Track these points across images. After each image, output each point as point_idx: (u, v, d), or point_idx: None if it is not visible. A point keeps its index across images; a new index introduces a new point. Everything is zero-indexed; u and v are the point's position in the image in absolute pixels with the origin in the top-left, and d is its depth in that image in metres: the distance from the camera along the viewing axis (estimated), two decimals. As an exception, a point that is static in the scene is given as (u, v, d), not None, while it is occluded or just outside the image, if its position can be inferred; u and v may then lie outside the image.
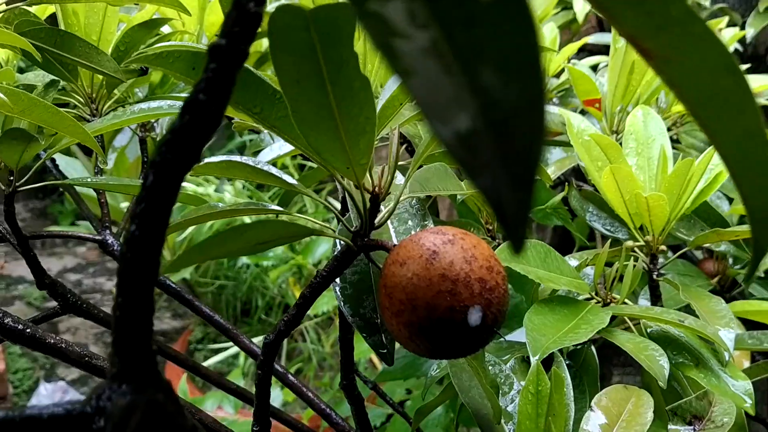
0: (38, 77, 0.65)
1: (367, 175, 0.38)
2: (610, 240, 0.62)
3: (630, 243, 0.64)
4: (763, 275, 0.78)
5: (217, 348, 2.02)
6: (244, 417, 1.54)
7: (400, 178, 0.44)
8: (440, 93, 0.14)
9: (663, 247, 0.62)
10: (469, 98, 0.14)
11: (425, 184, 0.43)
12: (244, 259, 1.92)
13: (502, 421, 0.42)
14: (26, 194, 3.91)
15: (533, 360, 0.44)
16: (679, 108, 0.84)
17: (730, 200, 0.83)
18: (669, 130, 0.90)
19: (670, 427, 0.41)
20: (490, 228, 0.67)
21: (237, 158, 0.39)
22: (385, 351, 0.39)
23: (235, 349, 1.82)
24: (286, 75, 0.31)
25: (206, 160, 0.38)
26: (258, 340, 1.91)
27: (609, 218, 0.68)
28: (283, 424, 0.67)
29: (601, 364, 1.31)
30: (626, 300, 0.57)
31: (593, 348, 0.59)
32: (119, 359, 0.23)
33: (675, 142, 0.95)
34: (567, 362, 0.56)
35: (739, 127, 0.19)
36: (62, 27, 0.62)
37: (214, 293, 2.24)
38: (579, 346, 0.59)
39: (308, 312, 1.87)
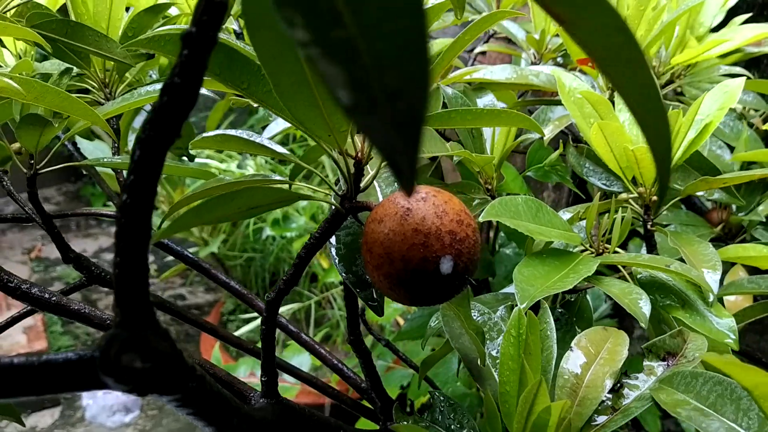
0: (54, 66, 0.69)
1: (351, 141, 0.41)
2: (599, 193, 0.64)
3: (624, 195, 0.67)
4: (765, 220, 0.79)
5: (247, 318, 2.08)
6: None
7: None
8: (344, 68, 0.17)
9: (655, 198, 0.64)
10: (367, 74, 0.17)
11: (410, 148, 0.46)
12: (268, 231, 1.97)
13: (489, 362, 0.45)
14: (59, 178, 4.01)
15: (521, 308, 0.47)
16: (679, 60, 0.85)
17: (731, 149, 0.84)
18: (671, 82, 0.91)
19: (645, 363, 0.44)
20: (489, 187, 0.70)
21: (231, 132, 0.42)
22: (375, 304, 0.43)
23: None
24: (263, 51, 0.34)
25: (202, 135, 0.42)
26: (285, 309, 1.96)
27: (605, 173, 0.70)
28: (314, 388, 0.70)
29: (623, 318, 1.33)
30: (618, 249, 0.60)
31: (588, 297, 0.62)
32: (120, 310, 0.27)
33: (679, 94, 0.95)
34: (560, 311, 0.59)
35: (637, 80, 0.22)
36: (73, 17, 0.66)
37: (243, 266, 2.31)
38: (573, 297, 0.62)
39: (334, 280, 1.91)
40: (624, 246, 0.77)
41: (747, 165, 0.86)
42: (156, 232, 0.33)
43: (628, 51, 0.21)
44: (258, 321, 1.94)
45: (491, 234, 0.90)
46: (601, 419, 0.41)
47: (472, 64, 1.08)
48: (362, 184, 0.42)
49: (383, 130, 0.17)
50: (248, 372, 1.62)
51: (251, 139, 0.42)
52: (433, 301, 0.38)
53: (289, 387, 1.52)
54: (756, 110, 1.00)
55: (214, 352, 1.71)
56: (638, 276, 0.57)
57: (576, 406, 0.42)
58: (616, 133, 0.59)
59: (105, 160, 0.59)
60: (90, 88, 0.68)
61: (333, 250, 0.46)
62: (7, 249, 3.25)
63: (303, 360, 1.49)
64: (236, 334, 1.83)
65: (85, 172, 0.69)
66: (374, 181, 0.45)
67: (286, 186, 0.42)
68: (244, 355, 1.91)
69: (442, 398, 0.46)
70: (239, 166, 1.92)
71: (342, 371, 0.65)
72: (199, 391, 0.31)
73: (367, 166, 0.43)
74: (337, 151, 0.39)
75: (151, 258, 3.46)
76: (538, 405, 0.37)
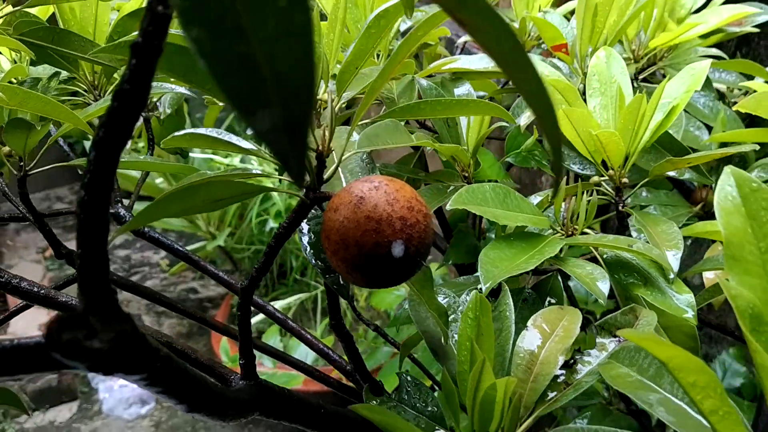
0: (47, 70, 0.72)
1: (313, 136, 0.44)
2: (565, 177, 0.66)
3: (596, 178, 0.69)
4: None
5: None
6: (282, 370, 1.64)
7: (356, 137, 0.50)
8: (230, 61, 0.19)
9: (625, 180, 0.66)
10: (264, 83, 0.20)
11: (373, 140, 0.49)
12: (272, 224, 2.00)
13: (451, 341, 0.48)
14: (72, 177, 4.06)
15: (482, 289, 0.50)
16: (657, 42, 0.87)
17: (710, 129, 0.86)
18: (653, 64, 0.93)
19: (598, 339, 0.46)
20: (466, 175, 0.72)
21: (200, 130, 0.45)
22: (337, 287, 0.45)
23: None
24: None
25: (173, 134, 0.44)
26: (293, 299, 2.00)
27: (578, 157, 0.72)
28: (315, 379, 0.73)
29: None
30: (587, 230, 0.62)
31: (560, 278, 0.64)
32: (84, 297, 0.30)
33: (663, 76, 0.97)
34: (528, 291, 0.61)
35: (527, 78, 0.24)
36: (61, 24, 0.69)
37: (251, 258, 2.34)
38: (545, 277, 0.64)
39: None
40: (604, 228, 0.79)
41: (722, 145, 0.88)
42: (122, 227, 0.36)
43: (516, 55, 0.24)
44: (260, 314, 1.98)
45: (477, 220, 0.92)
46: (554, 394, 0.44)
47: (460, 53, 1.10)
48: (325, 176, 0.44)
49: (275, 132, 0.19)
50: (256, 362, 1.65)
51: (219, 136, 0.45)
52: (388, 284, 0.40)
53: (295, 375, 1.56)
54: (740, 89, 1.01)
55: (222, 343, 1.75)
56: (604, 256, 0.59)
57: (531, 382, 0.44)
58: (582, 118, 0.61)
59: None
60: (80, 90, 0.71)
61: (304, 239, 0.48)
62: (21, 249, 3.31)
63: (305, 351, 1.53)
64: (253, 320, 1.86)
65: (80, 172, 0.71)
66: (339, 171, 0.47)
67: (254, 180, 0.45)
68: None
69: (408, 379, 0.49)
70: (242, 161, 1.95)
71: (328, 355, 0.68)
72: (166, 371, 0.34)
73: (333, 155, 0.46)
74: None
75: (162, 254, 3.51)
76: (484, 382, 0.39)
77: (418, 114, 0.58)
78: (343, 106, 0.63)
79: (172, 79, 0.46)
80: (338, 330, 0.61)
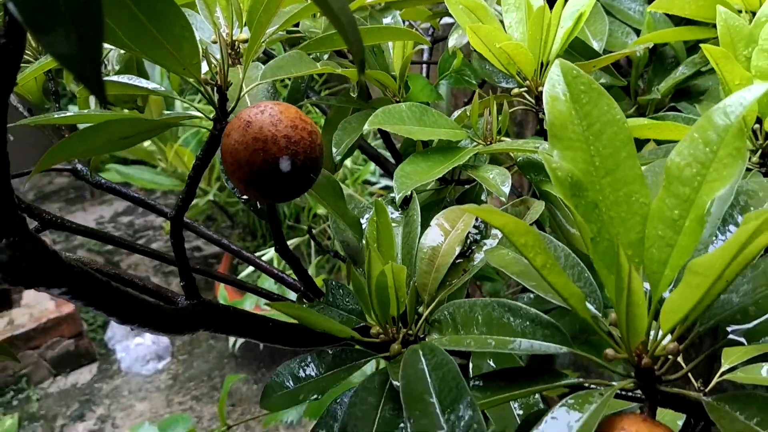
0: None
1: (213, 72, 0.48)
2: (476, 91, 0.70)
3: (516, 90, 0.72)
4: (659, 97, 0.85)
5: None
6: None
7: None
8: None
9: (542, 89, 0.70)
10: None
11: (276, 71, 0.53)
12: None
13: (365, 247, 0.53)
14: None
15: (396, 198, 0.55)
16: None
17: (638, 33, 0.89)
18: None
19: (492, 231, 0.51)
20: (398, 100, 0.76)
21: (112, 78, 0.49)
22: (254, 209, 0.50)
23: (267, 257, 1.98)
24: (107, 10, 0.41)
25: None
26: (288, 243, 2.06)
27: (501, 72, 0.75)
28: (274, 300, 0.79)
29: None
30: (504, 139, 0.66)
31: (483, 187, 0.69)
32: (-4, 224, 0.35)
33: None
34: (449, 200, 0.66)
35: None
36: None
37: (245, 210, 2.40)
38: (468, 187, 0.69)
39: (321, 213, 1.97)
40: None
41: (660, 47, 0.91)
42: (37, 165, 0.41)
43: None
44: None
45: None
46: (454, 281, 0.49)
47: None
48: (228, 108, 0.49)
49: (68, 45, 0.23)
50: (254, 305, 1.73)
51: (131, 82, 0.49)
52: (284, 196, 0.45)
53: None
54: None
55: (220, 291, 1.83)
56: (518, 159, 0.63)
57: (434, 272, 0.50)
58: (489, 34, 0.65)
59: (54, 115, 0.67)
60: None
61: (222, 168, 0.53)
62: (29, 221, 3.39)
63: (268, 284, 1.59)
64: (244, 273, 1.93)
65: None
66: (245, 99, 0.52)
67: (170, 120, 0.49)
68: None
69: (333, 283, 0.55)
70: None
71: (283, 279, 0.74)
72: (86, 286, 0.39)
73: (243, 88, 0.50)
74: (195, 81, 0.46)
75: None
76: (374, 270, 0.44)
77: (332, 45, 0.62)
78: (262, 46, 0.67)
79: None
80: (283, 253, 0.67)
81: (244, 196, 0.51)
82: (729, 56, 0.56)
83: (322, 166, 0.46)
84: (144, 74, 0.99)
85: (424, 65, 1.04)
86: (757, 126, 0.68)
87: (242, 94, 0.49)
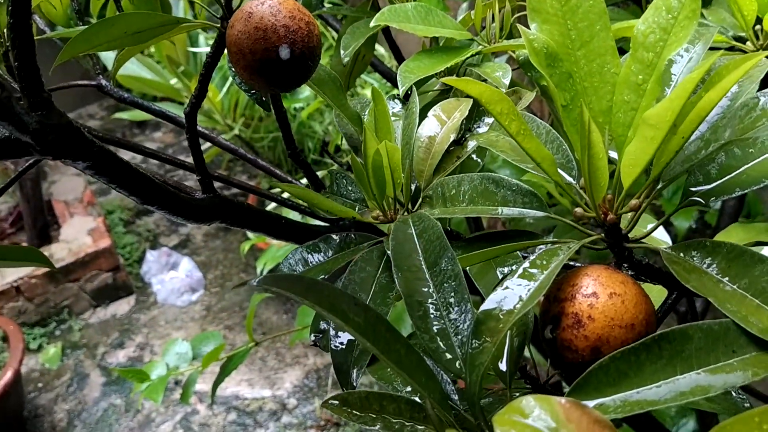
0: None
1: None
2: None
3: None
4: None
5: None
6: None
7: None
8: None
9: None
10: None
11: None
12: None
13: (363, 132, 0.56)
14: (101, 95, 4.19)
15: (400, 90, 0.58)
16: None
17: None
18: None
19: (485, 119, 0.54)
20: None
21: None
22: (258, 101, 0.54)
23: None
24: None
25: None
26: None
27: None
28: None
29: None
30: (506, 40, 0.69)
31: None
32: (27, 100, 0.39)
33: None
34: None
35: None
36: None
37: (271, 146, 2.45)
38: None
39: (345, 148, 2.01)
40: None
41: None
42: (60, 54, 0.45)
43: None
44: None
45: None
46: (447, 166, 0.53)
47: None
48: (234, 6, 0.52)
49: None
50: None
51: None
52: (287, 84, 0.49)
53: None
54: None
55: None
56: (519, 58, 0.66)
57: (430, 159, 0.53)
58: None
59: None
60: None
61: (231, 71, 0.57)
62: (62, 165, 3.49)
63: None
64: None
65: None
66: None
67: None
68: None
69: (336, 173, 0.58)
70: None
71: (286, 180, 0.78)
72: (108, 162, 0.44)
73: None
74: (202, -21, 0.49)
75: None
76: (370, 149, 0.48)
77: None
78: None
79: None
80: (295, 158, 0.71)
81: (252, 90, 0.54)
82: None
83: (320, 56, 0.49)
84: (168, 8, 1.03)
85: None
86: (758, 27, 0.69)
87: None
